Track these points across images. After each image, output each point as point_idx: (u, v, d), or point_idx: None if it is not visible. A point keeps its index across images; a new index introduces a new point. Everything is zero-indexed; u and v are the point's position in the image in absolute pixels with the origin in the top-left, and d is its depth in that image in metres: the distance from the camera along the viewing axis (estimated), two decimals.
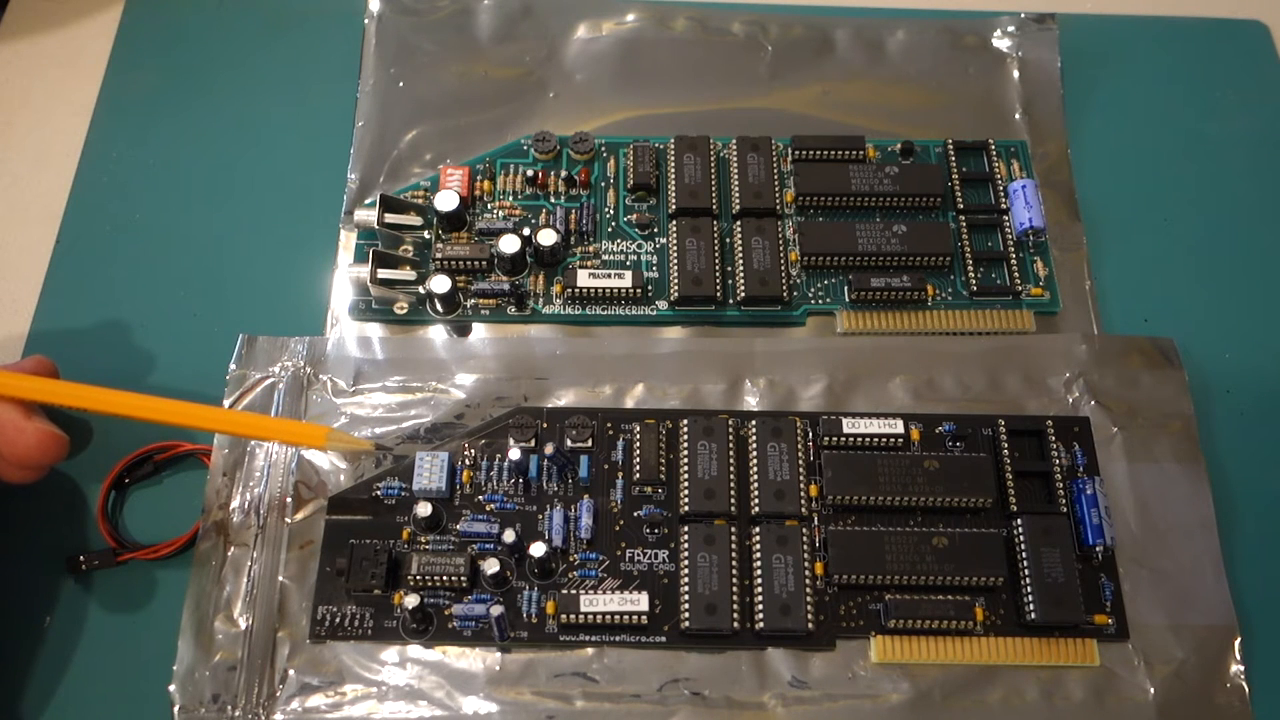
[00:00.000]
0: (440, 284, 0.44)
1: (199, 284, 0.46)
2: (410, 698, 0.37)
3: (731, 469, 0.40)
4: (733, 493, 0.40)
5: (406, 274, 0.45)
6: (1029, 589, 0.38)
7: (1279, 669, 0.39)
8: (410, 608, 0.37)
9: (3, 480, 0.38)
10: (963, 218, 0.46)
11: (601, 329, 0.45)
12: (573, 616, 0.38)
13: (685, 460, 0.40)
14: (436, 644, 0.38)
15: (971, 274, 0.45)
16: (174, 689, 0.37)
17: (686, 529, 0.39)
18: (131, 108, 0.50)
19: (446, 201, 0.45)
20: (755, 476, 0.40)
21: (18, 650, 0.38)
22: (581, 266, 0.45)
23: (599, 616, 0.38)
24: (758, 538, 0.39)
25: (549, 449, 0.40)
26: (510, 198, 0.47)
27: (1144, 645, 0.38)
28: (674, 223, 0.46)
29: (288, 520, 0.40)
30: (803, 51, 0.51)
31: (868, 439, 0.41)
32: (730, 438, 0.41)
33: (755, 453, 0.40)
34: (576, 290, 0.44)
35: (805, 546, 0.39)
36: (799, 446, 0.41)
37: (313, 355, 0.43)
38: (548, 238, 0.44)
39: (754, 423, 0.41)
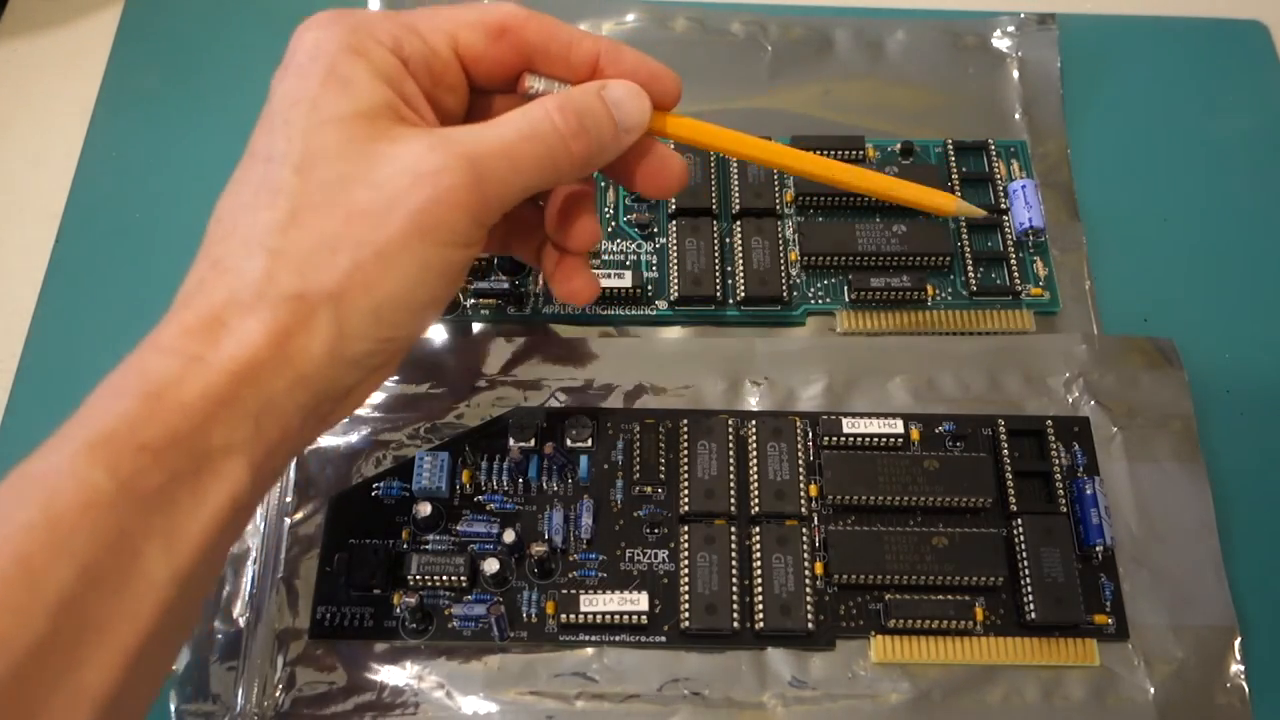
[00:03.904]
0: None
1: None
2: (410, 698, 0.37)
3: (731, 469, 0.40)
4: (733, 493, 0.40)
5: None
6: (1029, 589, 0.38)
7: (1279, 669, 0.39)
8: (410, 607, 0.37)
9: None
10: (962, 218, 0.46)
11: (601, 329, 0.44)
12: (572, 616, 0.38)
13: (685, 460, 0.40)
14: (436, 644, 0.38)
15: (971, 274, 0.45)
16: (173, 689, 0.37)
17: (686, 529, 0.39)
18: (131, 108, 0.50)
19: None
20: (755, 476, 0.40)
21: None
22: None
23: (599, 616, 0.38)
24: (758, 538, 0.39)
25: (549, 449, 0.40)
26: None
27: (1144, 645, 0.38)
28: (674, 223, 0.46)
29: (288, 520, 0.40)
30: (803, 51, 0.51)
31: (868, 439, 0.41)
32: (730, 438, 0.41)
33: (755, 453, 0.40)
34: None
35: (805, 546, 0.39)
36: (799, 446, 0.41)
37: None
38: None
39: (754, 423, 0.41)
